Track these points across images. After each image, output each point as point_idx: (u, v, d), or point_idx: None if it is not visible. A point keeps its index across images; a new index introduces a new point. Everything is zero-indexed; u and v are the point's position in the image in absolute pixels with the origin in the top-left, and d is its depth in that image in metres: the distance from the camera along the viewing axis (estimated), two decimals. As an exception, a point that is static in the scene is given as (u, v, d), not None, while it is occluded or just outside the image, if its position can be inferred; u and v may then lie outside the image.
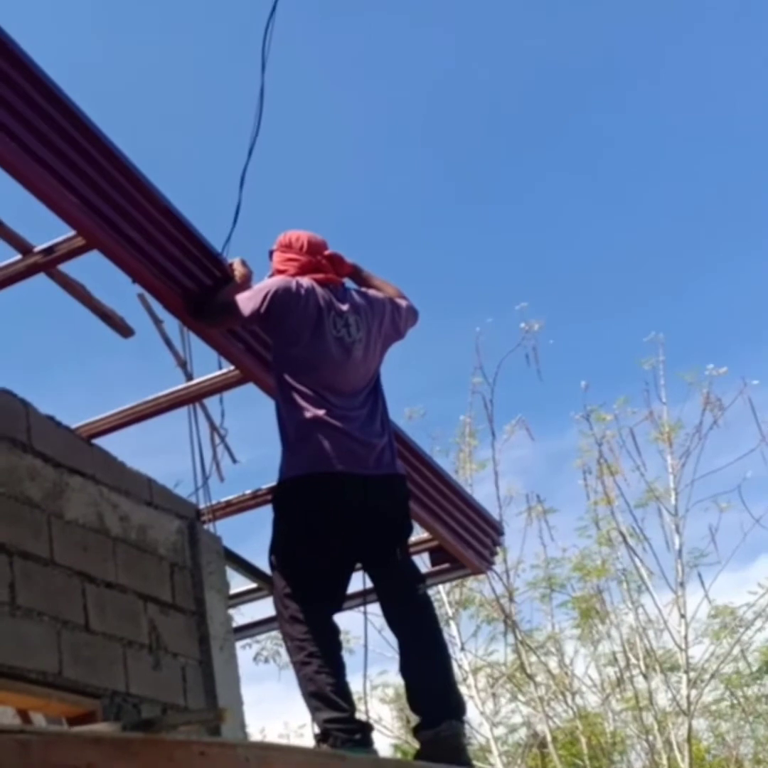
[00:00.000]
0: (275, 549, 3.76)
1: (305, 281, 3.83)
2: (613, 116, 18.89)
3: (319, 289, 3.83)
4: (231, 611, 4.78)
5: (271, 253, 4.05)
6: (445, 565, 5.75)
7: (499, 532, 6.13)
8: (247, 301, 3.80)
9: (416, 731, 3.60)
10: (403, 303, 4.09)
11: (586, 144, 19.11)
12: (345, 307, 3.85)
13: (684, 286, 18.99)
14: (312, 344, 3.75)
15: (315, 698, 3.52)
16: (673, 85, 18.53)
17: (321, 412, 3.66)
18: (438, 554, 5.71)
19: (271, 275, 3.97)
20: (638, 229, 18.81)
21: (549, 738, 11.46)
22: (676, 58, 18.01)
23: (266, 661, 11.73)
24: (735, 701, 12.50)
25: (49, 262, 3.71)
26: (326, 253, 3.97)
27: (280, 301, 3.75)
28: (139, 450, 4.62)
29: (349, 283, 4.06)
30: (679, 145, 19.00)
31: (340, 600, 3.79)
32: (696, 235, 19.29)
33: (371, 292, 4.04)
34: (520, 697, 12.26)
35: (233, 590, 5.03)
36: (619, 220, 19.52)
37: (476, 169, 19.55)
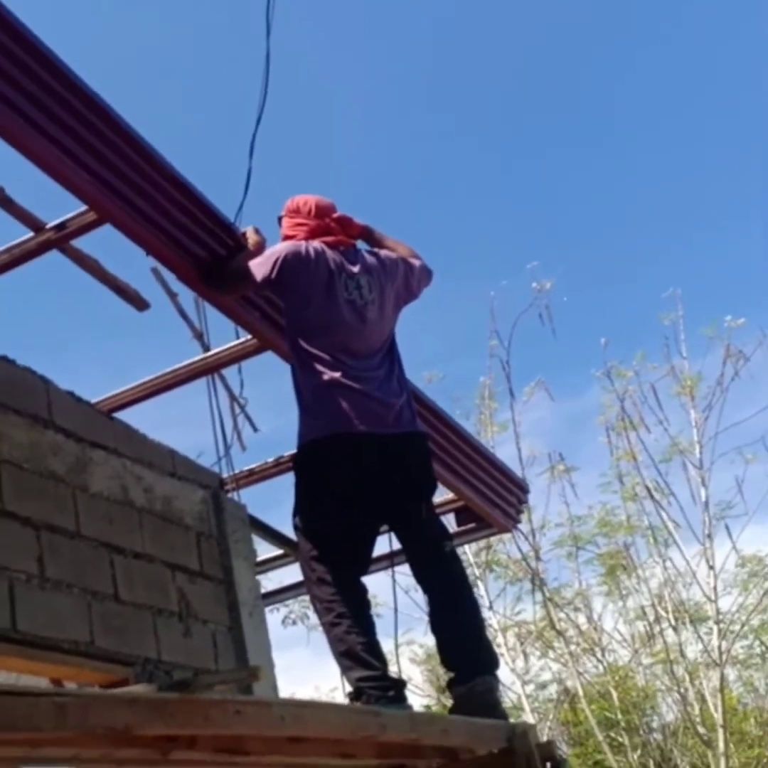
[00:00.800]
0: (298, 512, 3.77)
1: (315, 244, 3.82)
2: (625, 74, 18.71)
3: (329, 252, 3.82)
4: (259, 577, 4.81)
5: (280, 219, 4.05)
6: (472, 525, 5.75)
7: (524, 490, 6.13)
8: (258, 267, 3.80)
9: (450, 687, 3.62)
10: (416, 263, 4.07)
11: (599, 103, 18.97)
12: (356, 269, 3.84)
13: (699, 241, 18.85)
14: (324, 307, 3.74)
15: (346, 657, 3.54)
16: (683, 46, 18.31)
17: (337, 374, 3.66)
18: (464, 514, 5.71)
19: (281, 241, 3.96)
20: (652, 185, 18.67)
21: (581, 693, 11.52)
22: (691, 17, 17.76)
23: (294, 623, 11.78)
24: (765, 650, 12.50)
25: (61, 238, 3.70)
26: (335, 215, 3.96)
27: (290, 265, 3.75)
28: (160, 424, 4.64)
29: (361, 244, 4.05)
30: (694, 99, 18.81)
31: (366, 561, 3.80)
32: (711, 189, 19.13)
33: (383, 252, 4.03)
34: (549, 654, 12.32)
35: (260, 557, 5.06)
36: (634, 178, 19.38)
37: (487, 131, 19.41)
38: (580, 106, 18.97)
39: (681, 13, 17.60)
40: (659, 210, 18.51)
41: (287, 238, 3.94)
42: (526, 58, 19.39)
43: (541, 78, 19.32)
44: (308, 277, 3.75)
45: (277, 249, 3.83)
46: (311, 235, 3.88)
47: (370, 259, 3.95)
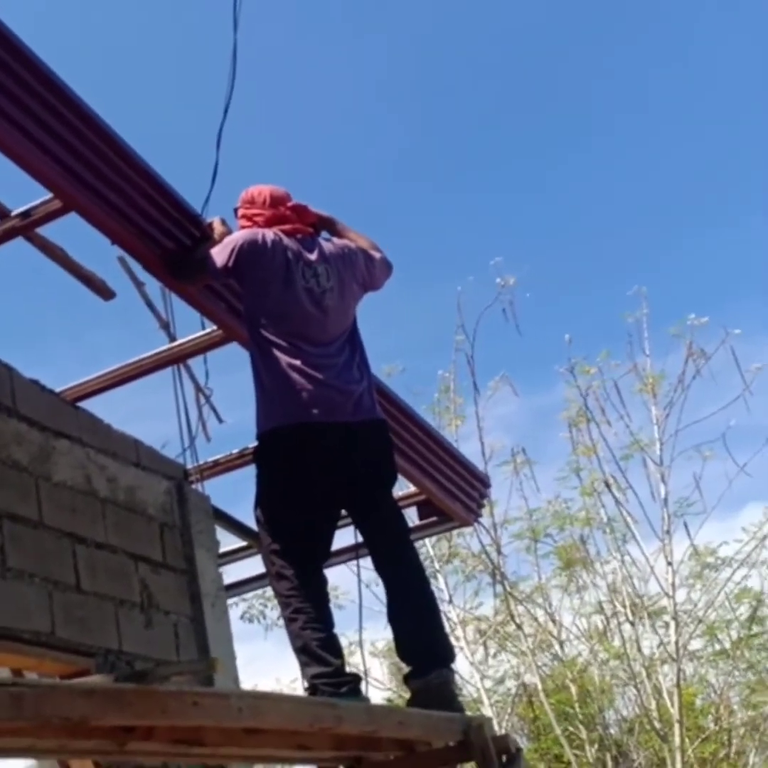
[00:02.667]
0: (259, 504, 3.78)
1: (271, 233, 3.84)
2: (596, 78, 18.82)
3: (286, 240, 3.84)
4: (220, 570, 4.81)
5: (236, 210, 4.07)
6: (433, 519, 5.79)
7: (486, 484, 6.18)
8: (216, 256, 3.82)
9: (407, 680, 3.65)
10: (376, 255, 4.09)
11: (571, 104, 19.03)
12: (314, 257, 3.86)
13: (666, 241, 19.00)
14: (282, 295, 3.76)
15: (302, 653, 3.56)
16: (656, 53, 18.42)
17: (296, 362, 3.67)
18: (425, 508, 5.75)
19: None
20: (620, 184, 18.78)
21: (539, 687, 11.61)
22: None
23: (251, 620, 11.78)
24: (719, 647, 12.65)
25: (26, 226, 3.69)
26: (290, 204, 3.98)
27: (246, 253, 3.77)
28: (125, 415, 4.63)
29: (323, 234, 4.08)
30: (661, 97, 18.93)
31: (326, 552, 3.82)
32: (677, 189, 19.28)
33: (342, 241, 4.05)
34: (507, 647, 12.40)
35: (223, 549, 5.07)
36: (601, 176, 19.49)
37: (456, 127, 19.43)
38: (552, 104, 19.06)
39: (662, 8, 17.71)
40: (627, 208, 18.64)
41: (243, 228, 3.95)
42: (498, 56, 19.43)
43: (513, 76, 19.37)
44: (265, 264, 3.77)
45: (234, 237, 3.85)
46: (267, 224, 3.90)
47: (328, 247, 3.97)
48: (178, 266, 3.89)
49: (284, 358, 3.69)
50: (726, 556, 12.03)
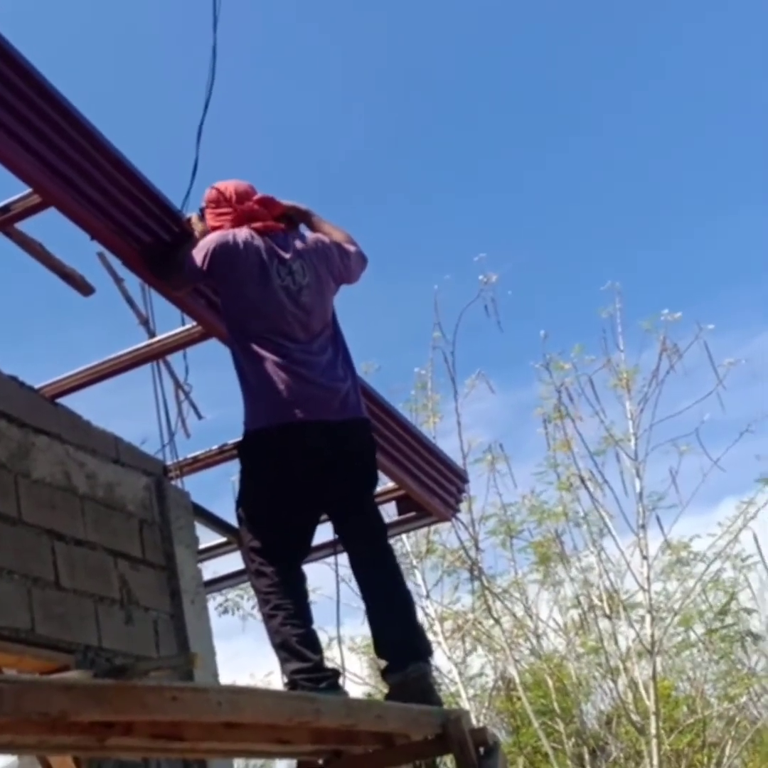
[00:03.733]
0: (241, 503, 3.80)
1: (242, 233, 3.83)
2: (573, 76, 18.89)
3: (258, 239, 3.83)
4: (200, 565, 4.82)
5: (202, 211, 4.03)
6: (411, 514, 5.82)
7: (464, 479, 6.21)
8: (191, 261, 3.81)
9: (384, 675, 3.68)
10: (351, 248, 4.09)
11: (548, 99, 19.09)
12: (288, 255, 3.85)
13: (641, 238, 19.11)
14: (259, 295, 3.75)
15: (282, 649, 3.58)
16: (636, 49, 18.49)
17: (280, 360, 3.68)
18: (404, 503, 5.78)
19: (209, 233, 3.94)
20: (596, 183, 18.87)
21: (517, 680, 11.67)
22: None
23: (226, 611, 11.78)
24: (695, 639, 12.74)
25: (5, 221, 3.69)
26: (256, 197, 3.97)
27: (219, 256, 3.76)
28: (105, 412, 4.63)
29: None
30: (638, 105, 19.04)
31: (306, 549, 3.84)
32: (653, 189, 19.39)
33: (315, 235, 4.05)
34: (484, 642, 12.44)
35: (203, 545, 5.07)
36: (579, 173, 19.57)
37: (436, 123, 19.47)
38: (532, 101, 19.12)
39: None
40: (603, 205, 18.73)
41: (214, 229, 3.93)
42: (479, 51, 19.46)
43: (493, 72, 19.41)
44: (239, 265, 3.76)
45: (206, 241, 3.83)
46: (237, 222, 3.89)
47: (301, 243, 3.96)
48: (160, 268, 3.88)
49: (268, 357, 3.69)
50: (698, 551, 12.11)
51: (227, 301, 3.86)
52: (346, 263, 4.05)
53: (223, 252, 3.77)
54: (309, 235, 4.06)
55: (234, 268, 3.77)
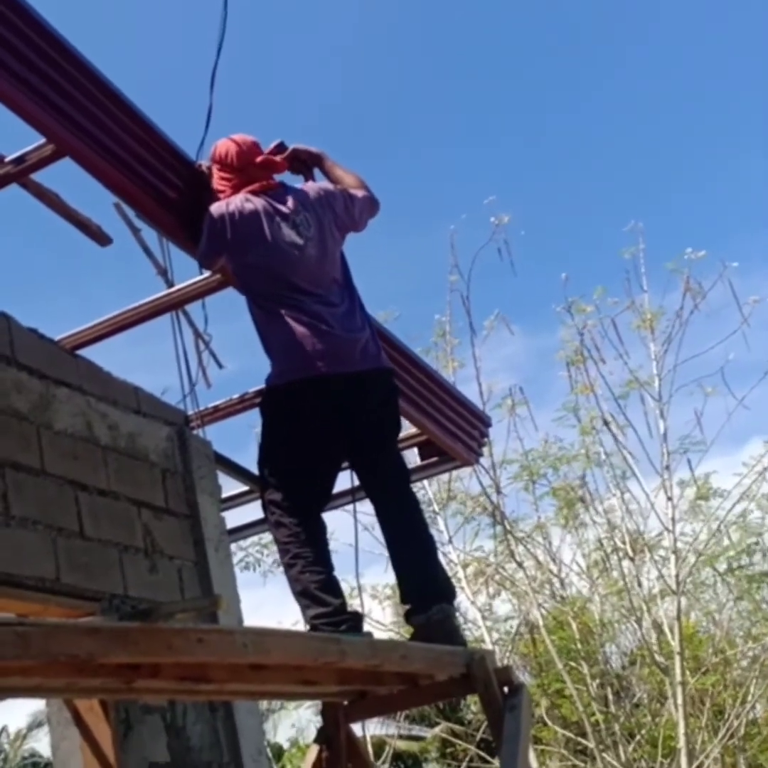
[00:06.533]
0: (262, 456, 3.82)
1: (236, 200, 3.81)
2: (595, 18, 18.56)
3: (253, 202, 3.81)
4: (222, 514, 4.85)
5: (209, 169, 4.00)
6: (434, 459, 5.83)
7: (486, 423, 6.20)
8: (202, 250, 3.84)
9: (408, 617, 3.71)
10: (359, 193, 4.06)
11: (570, 41, 18.81)
12: (288, 209, 3.83)
13: (663, 177, 18.89)
14: (264, 256, 3.75)
15: (302, 597, 3.61)
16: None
17: (295, 315, 3.68)
18: (426, 448, 5.78)
19: (213, 193, 3.94)
20: (619, 124, 18.62)
21: (541, 623, 11.74)
22: None
23: (247, 567, 11.86)
24: (718, 578, 12.76)
25: (20, 172, 3.67)
26: (258, 160, 3.93)
27: (218, 227, 3.76)
28: (125, 363, 4.64)
29: (291, 179, 4.04)
30: (662, 41, 18.70)
31: (326, 498, 3.86)
32: (677, 128, 19.13)
33: (319, 185, 4.04)
34: (507, 586, 12.50)
35: (225, 494, 5.10)
36: (596, 111, 19.31)
37: (451, 70, 19.24)
38: (553, 43, 18.84)
39: None
40: (625, 145, 18.51)
41: (217, 192, 3.92)
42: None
43: (510, 17, 19.12)
44: (241, 230, 3.75)
45: (206, 219, 3.80)
46: (236, 190, 3.88)
47: (302, 194, 3.94)
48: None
49: (284, 313, 3.69)
50: (719, 487, 12.06)
51: (237, 267, 3.87)
52: (351, 210, 4.01)
53: (220, 220, 3.76)
54: (311, 185, 4.04)
55: (236, 232, 3.75)
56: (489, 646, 11.40)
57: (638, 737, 11.88)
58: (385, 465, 3.82)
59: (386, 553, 3.79)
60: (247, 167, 3.90)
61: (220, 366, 5.07)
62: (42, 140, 3.53)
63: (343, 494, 4.15)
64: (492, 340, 11.99)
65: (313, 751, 3.63)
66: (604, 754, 11.31)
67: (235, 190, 3.88)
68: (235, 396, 4.99)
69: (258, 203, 3.80)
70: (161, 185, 3.82)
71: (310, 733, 17.59)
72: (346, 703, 3.61)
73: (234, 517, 5.42)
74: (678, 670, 10.81)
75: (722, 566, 12.46)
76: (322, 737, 3.65)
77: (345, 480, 4.00)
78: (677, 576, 11.01)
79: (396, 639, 9.34)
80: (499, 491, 11.68)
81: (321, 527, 3.76)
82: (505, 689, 3.36)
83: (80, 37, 3.43)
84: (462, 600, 11.36)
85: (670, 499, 11.25)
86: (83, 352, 4.31)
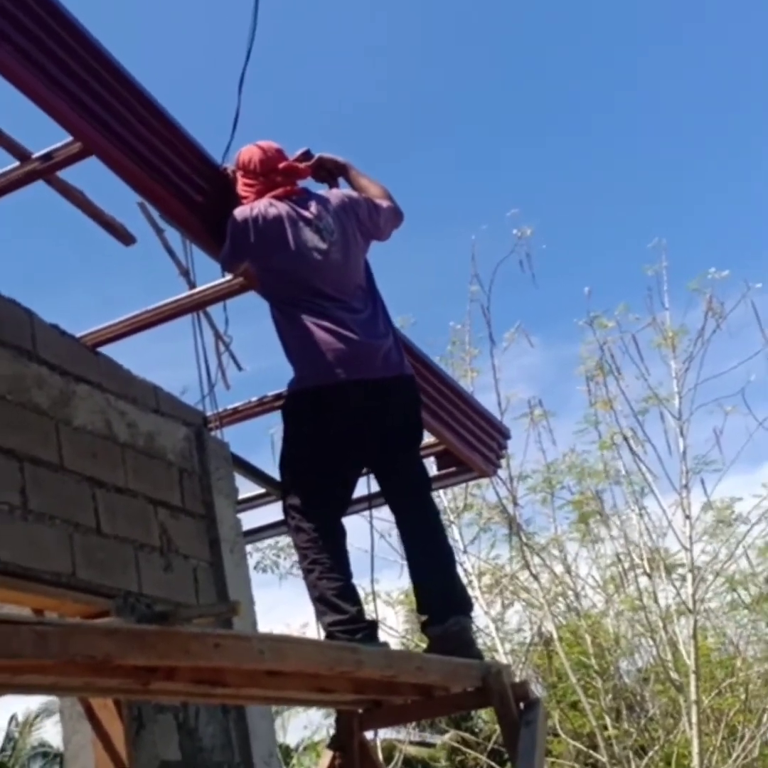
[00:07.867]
0: (283, 460, 3.82)
1: (262, 203, 3.80)
2: (618, 33, 18.53)
3: (276, 207, 3.80)
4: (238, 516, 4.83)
5: (234, 173, 4.00)
6: (452, 469, 5.79)
7: (505, 435, 6.16)
8: (225, 256, 3.85)
9: (425, 628, 3.68)
10: (383, 203, 4.05)
11: (596, 54, 18.79)
12: (311, 215, 3.83)
13: (688, 195, 18.84)
14: (288, 261, 3.75)
15: (319, 603, 3.60)
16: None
17: (317, 321, 3.67)
18: (444, 458, 5.75)
19: (237, 198, 3.93)
20: (644, 139, 18.57)
21: (555, 635, 11.68)
22: None
23: (265, 570, 11.86)
24: (737, 598, 12.67)
25: (47, 169, 3.67)
26: (281, 166, 3.93)
27: (241, 233, 3.75)
28: (145, 362, 4.63)
29: (315, 186, 4.04)
30: (687, 51, 18.65)
31: (346, 504, 3.85)
32: (702, 146, 19.07)
33: (343, 191, 4.03)
34: (522, 597, 12.45)
35: (242, 496, 5.09)
36: (621, 129, 19.28)
37: (475, 78, 19.24)
38: (582, 56, 18.82)
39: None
40: (650, 161, 18.46)
41: (241, 198, 3.92)
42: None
43: (540, 32, 19.11)
44: (264, 235, 3.74)
45: (230, 223, 3.80)
46: (259, 196, 3.87)
47: (325, 200, 3.94)
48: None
49: (307, 319, 3.68)
50: (740, 512, 11.99)
51: (261, 272, 3.87)
52: (376, 219, 4.01)
53: (244, 226, 3.75)
54: (335, 191, 4.03)
55: (260, 238, 3.75)
56: (502, 657, 11.34)
57: (651, 753, 11.79)
58: (405, 473, 3.80)
59: (400, 560, 3.77)
60: (270, 173, 3.90)
61: (239, 368, 5.06)
62: (69, 138, 3.53)
63: (360, 500, 4.13)
64: (511, 350, 11.93)
65: (327, 757, 3.61)
66: (615, 770, 11.24)
67: (259, 195, 3.88)
68: (254, 398, 4.98)
69: (281, 208, 3.80)
70: (186, 187, 3.82)
71: (320, 735, 17.59)
72: (360, 711, 3.58)
73: (250, 519, 5.41)
74: (692, 689, 10.73)
75: (744, 592, 12.38)
76: (335, 744, 3.63)
77: (362, 487, 3.98)
78: (694, 595, 10.93)
79: (412, 650, 9.29)
80: (516, 503, 11.64)
81: (340, 533, 3.74)
82: (521, 704, 3.32)
83: (110, 38, 3.44)
84: (476, 609, 11.31)
85: (688, 517, 11.18)
86: (104, 350, 4.30)
